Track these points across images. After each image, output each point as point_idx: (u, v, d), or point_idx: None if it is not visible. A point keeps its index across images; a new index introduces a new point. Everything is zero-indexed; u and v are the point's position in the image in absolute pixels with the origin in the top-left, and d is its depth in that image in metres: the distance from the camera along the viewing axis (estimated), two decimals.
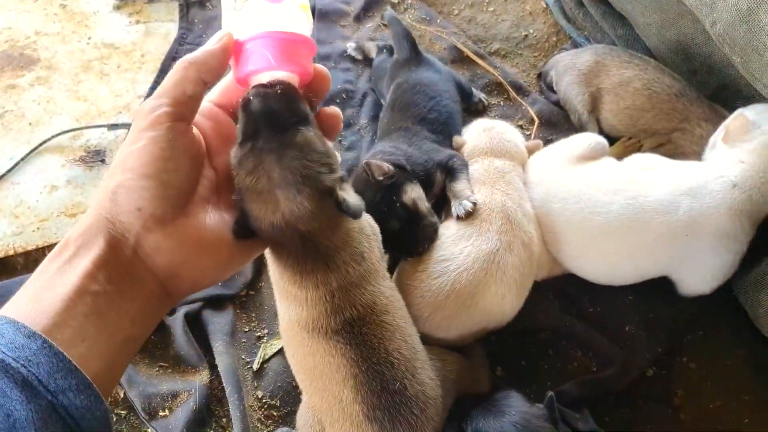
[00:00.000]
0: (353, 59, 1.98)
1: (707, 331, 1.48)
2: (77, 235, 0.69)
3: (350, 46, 1.98)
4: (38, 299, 0.65)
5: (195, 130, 0.78)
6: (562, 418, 1.30)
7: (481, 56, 1.98)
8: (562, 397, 1.34)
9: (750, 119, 1.39)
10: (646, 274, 1.44)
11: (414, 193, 1.36)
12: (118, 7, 2.10)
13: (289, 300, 1.04)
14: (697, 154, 1.54)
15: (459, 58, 1.99)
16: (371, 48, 1.94)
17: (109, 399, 1.33)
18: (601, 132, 1.71)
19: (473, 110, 1.87)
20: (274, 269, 1.02)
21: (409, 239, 1.32)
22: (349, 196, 0.87)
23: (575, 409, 1.33)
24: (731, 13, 1.28)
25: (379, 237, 1.14)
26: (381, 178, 1.32)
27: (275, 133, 0.79)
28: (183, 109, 0.73)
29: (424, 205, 1.36)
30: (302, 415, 1.22)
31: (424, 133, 1.55)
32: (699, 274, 1.40)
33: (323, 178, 0.82)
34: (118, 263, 0.69)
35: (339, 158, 0.87)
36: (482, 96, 1.87)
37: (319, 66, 0.82)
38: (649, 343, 1.41)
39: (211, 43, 0.76)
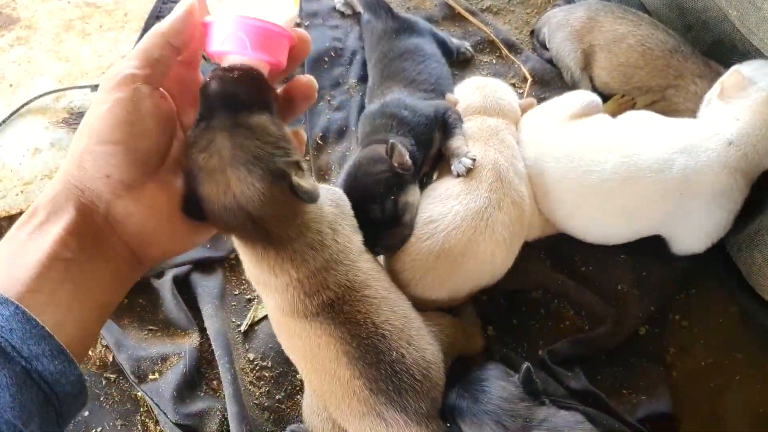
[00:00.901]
0: (342, 15, 1.94)
1: (700, 288, 1.47)
2: (46, 201, 0.69)
3: (338, 1, 1.93)
4: (9, 266, 0.65)
5: (165, 94, 0.78)
6: (553, 377, 1.31)
7: (473, 13, 1.95)
8: (554, 356, 1.34)
9: (746, 75, 1.37)
10: (639, 233, 1.42)
11: (411, 197, 1.31)
12: None
13: (260, 286, 1.06)
14: (691, 111, 1.51)
15: (450, 15, 1.95)
16: (359, 2, 1.90)
17: (98, 363, 1.35)
18: (594, 89, 1.69)
19: (461, 60, 1.84)
20: (242, 254, 1.03)
21: (375, 233, 1.23)
22: (305, 181, 0.86)
23: (567, 367, 1.33)
24: None
25: (348, 213, 1.14)
26: (396, 164, 1.28)
27: (230, 113, 0.78)
28: (150, 72, 0.73)
29: (412, 214, 1.31)
30: (307, 405, 1.21)
31: (417, 94, 1.52)
32: (692, 233, 1.39)
33: (276, 160, 0.82)
34: (90, 230, 0.69)
35: (296, 144, 0.87)
36: (467, 45, 1.84)
37: (300, 30, 0.82)
38: (642, 302, 1.41)
39: (178, 8, 0.76)
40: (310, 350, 1.05)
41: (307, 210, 0.96)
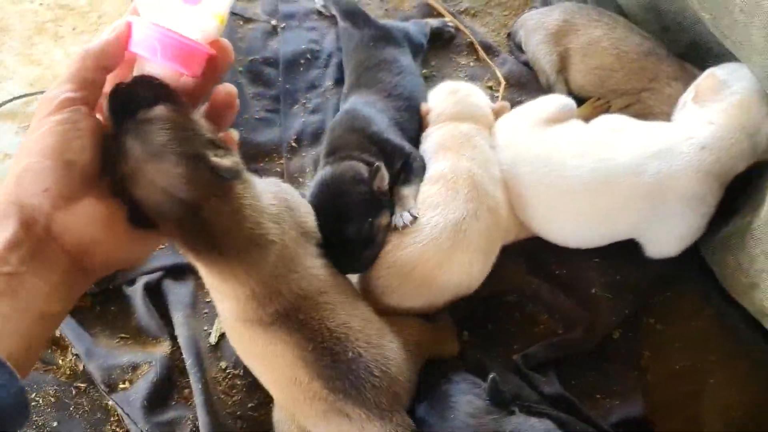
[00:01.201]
0: (320, 15, 1.92)
1: (674, 291, 1.47)
2: None
3: (318, 1, 1.92)
4: None
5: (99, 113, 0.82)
6: (527, 381, 1.30)
7: (452, 15, 1.93)
8: (528, 360, 1.34)
9: (720, 79, 1.37)
10: (613, 237, 1.42)
11: (385, 220, 1.29)
12: None
13: (213, 292, 1.07)
14: (666, 114, 1.51)
15: (428, 16, 1.93)
16: (335, 10, 1.88)
17: (68, 372, 1.33)
18: (570, 92, 1.68)
19: (446, 38, 1.87)
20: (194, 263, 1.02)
21: (344, 253, 1.21)
22: (225, 159, 0.87)
23: (541, 372, 1.33)
24: None
25: (299, 214, 1.12)
26: (376, 188, 1.27)
27: (130, 116, 0.82)
28: (85, 94, 0.77)
29: (384, 236, 1.29)
30: (277, 418, 1.21)
31: (393, 104, 1.52)
32: (667, 237, 1.39)
33: (187, 143, 0.84)
34: (31, 244, 0.71)
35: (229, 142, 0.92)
36: (439, 25, 1.86)
37: (223, 41, 0.86)
38: (616, 305, 1.41)
39: (107, 32, 0.80)
40: (267, 358, 1.06)
41: (241, 195, 0.94)
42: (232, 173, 0.88)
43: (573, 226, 1.41)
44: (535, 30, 1.73)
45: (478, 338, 1.40)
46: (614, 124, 1.43)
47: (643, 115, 1.54)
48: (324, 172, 1.32)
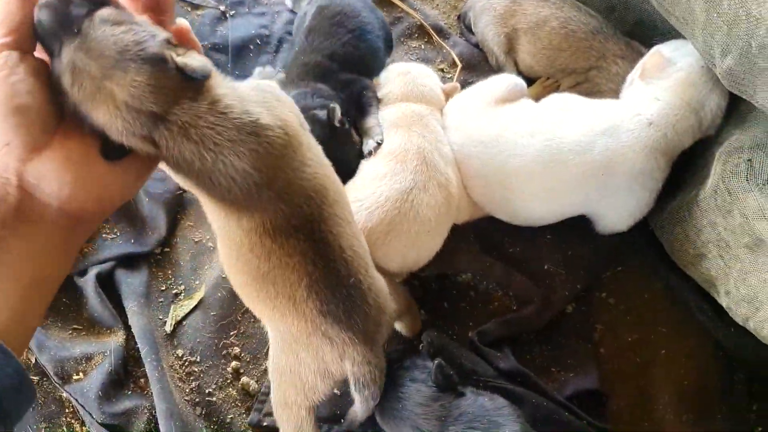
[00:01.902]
0: (267, 3, 1.90)
1: (625, 266, 1.50)
2: None
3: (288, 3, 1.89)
4: None
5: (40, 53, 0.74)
6: (483, 357, 1.32)
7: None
8: (484, 337, 1.36)
9: (666, 56, 1.39)
10: (564, 214, 1.44)
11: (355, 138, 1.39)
12: None
13: (218, 213, 0.98)
14: (614, 92, 1.54)
15: (378, 0, 1.93)
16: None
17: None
18: (519, 73, 1.69)
19: None
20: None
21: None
22: (190, 58, 0.80)
23: (497, 348, 1.34)
24: None
25: (291, 104, 1.04)
26: (337, 123, 1.34)
27: (70, 31, 0.73)
28: (17, 37, 0.70)
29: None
30: (276, 400, 1.17)
31: (338, 75, 1.50)
32: (616, 212, 1.42)
33: (143, 47, 0.76)
34: (6, 205, 0.66)
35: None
36: None
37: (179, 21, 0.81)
38: (568, 281, 1.43)
39: None
40: (275, 273, 1.00)
41: (215, 86, 0.85)
42: (204, 72, 0.80)
43: (525, 205, 1.43)
44: (483, 11, 1.74)
45: (435, 317, 1.41)
46: (563, 103, 1.45)
47: (592, 93, 1.56)
48: None
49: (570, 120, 1.38)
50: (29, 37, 0.71)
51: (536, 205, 1.42)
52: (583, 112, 1.40)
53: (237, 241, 0.99)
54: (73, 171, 0.69)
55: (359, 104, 1.45)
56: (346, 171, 1.34)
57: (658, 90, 1.37)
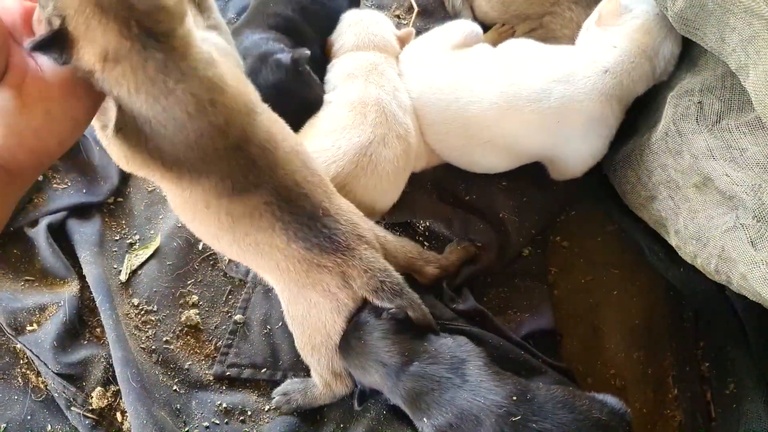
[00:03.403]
0: None
1: (579, 210, 1.54)
2: None
3: None
4: None
5: None
6: (441, 300, 1.33)
7: None
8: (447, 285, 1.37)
9: (622, 3, 1.39)
10: (520, 161, 1.46)
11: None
12: None
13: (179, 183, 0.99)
14: (568, 38, 1.54)
15: None
16: None
17: None
18: (475, 19, 1.69)
19: None
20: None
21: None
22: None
23: (456, 290, 1.36)
24: None
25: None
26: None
27: None
28: None
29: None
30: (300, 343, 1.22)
31: (304, 27, 1.48)
32: (571, 159, 1.44)
33: None
34: None
35: None
36: None
37: None
38: (523, 226, 1.45)
39: None
40: (241, 225, 1.05)
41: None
42: None
43: (480, 152, 1.44)
44: None
45: None
46: (519, 50, 1.45)
47: (547, 39, 1.56)
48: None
49: (526, 67, 1.38)
50: None
51: (492, 152, 1.43)
52: (540, 59, 1.40)
53: (200, 206, 1.02)
54: (4, 124, 0.69)
55: None
56: (312, 111, 1.37)
57: (615, 37, 1.38)
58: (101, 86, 0.81)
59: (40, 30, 0.78)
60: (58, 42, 0.76)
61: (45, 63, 0.76)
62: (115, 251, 1.38)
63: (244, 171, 0.99)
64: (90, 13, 0.76)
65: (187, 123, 0.89)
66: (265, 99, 1.16)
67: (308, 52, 1.33)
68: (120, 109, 0.87)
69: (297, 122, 1.34)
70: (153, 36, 0.82)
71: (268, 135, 1.03)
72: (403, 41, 1.52)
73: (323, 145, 1.28)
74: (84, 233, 1.36)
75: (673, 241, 1.29)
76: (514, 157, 1.45)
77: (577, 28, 1.51)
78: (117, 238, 1.39)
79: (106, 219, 1.41)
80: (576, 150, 1.42)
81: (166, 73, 0.84)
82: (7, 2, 0.78)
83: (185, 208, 1.06)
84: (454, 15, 1.71)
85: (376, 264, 1.12)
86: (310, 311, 1.15)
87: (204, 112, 0.90)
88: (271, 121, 1.06)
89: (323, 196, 1.10)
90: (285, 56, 1.33)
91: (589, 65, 1.35)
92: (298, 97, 1.36)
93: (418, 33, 1.57)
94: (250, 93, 1.03)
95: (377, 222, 1.35)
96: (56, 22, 0.75)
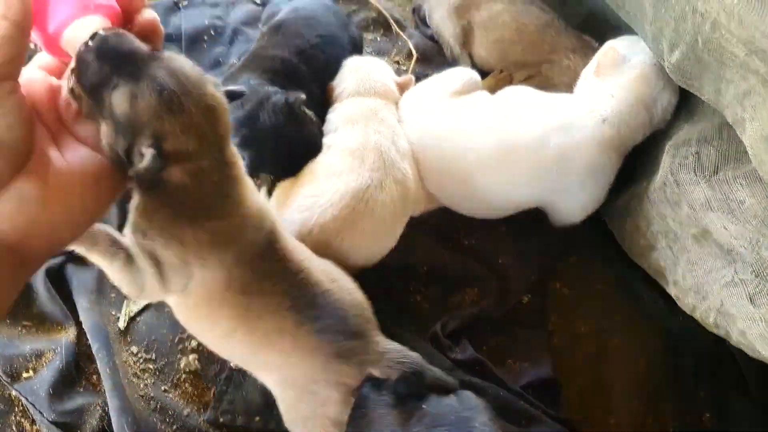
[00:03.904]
0: None
1: (579, 256, 1.53)
2: None
3: None
4: None
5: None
6: (440, 349, 1.33)
7: None
8: (443, 330, 1.36)
9: (620, 52, 1.41)
10: (519, 207, 1.46)
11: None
12: None
13: (207, 249, 0.97)
14: (566, 85, 1.56)
15: None
16: None
17: None
18: (474, 66, 1.71)
19: None
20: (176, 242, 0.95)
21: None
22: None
23: (455, 340, 1.35)
24: None
25: None
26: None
27: (148, 61, 0.78)
28: (12, 69, 0.67)
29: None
30: (290, 419, 1.16)
31: (302, 70, 1.50)
32: (570, 206, 1.44)
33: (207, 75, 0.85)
34: None
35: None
36: None
37: None
38: (523, 272, 1.45)
39: None
40: (256, 305, 1.03)
41: None
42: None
43: (480, 198, 1.44)
44: (438, 4, 1.75)
45: (393, 309, 1.41)
46: (517, 97, 1.46)
47: (545, 86, 1.57)
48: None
49: (525, 115, 1.39)
50: (21, 66, 0.69)
51: (491, 198, 1.43)
52: (538, 107, 1.41)
53: (215, 284, 1.00)
54: (27, 214, 0.68)
55: None
56: (310, 151, 1.38)
57: (613, 86, 1.39)
58: None
59: (69, 114, 0.78)
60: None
61: (69, 153, 0.75)
62: (114, 297, 1.37)
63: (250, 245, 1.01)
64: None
65: None
66: (263, 142, 1.17)
67: (303, 96, 1.34)
68: None
69: (296, 163, 1.37)
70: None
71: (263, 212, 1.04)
72: (402, 87, 1.54)
73: (321, 189, 1.28)
74: (82, 279, 1.36)
75: (672, 291, 1.29)
76: (512, 204, 1.46)
77: (575, 76, 1.52)
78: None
79: None
80: (574, 198, 1.42)
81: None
82: (33, 76, 0.77)
83: (199, 304, 1.04)
84: (454, 61, 1.73)
85: (392, 348, 1.08)
86: (317, 410, 1.08)
87: None
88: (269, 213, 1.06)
89: (323, 276, 1.09)
90: (279, 98, 1.34)
91: (587, 114, 1.36)
92: (295, 138, 1.37)
93: (418, 79, 1.58)
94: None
95: (374, 266, 1.36)
96: (146, 144, 0.78)
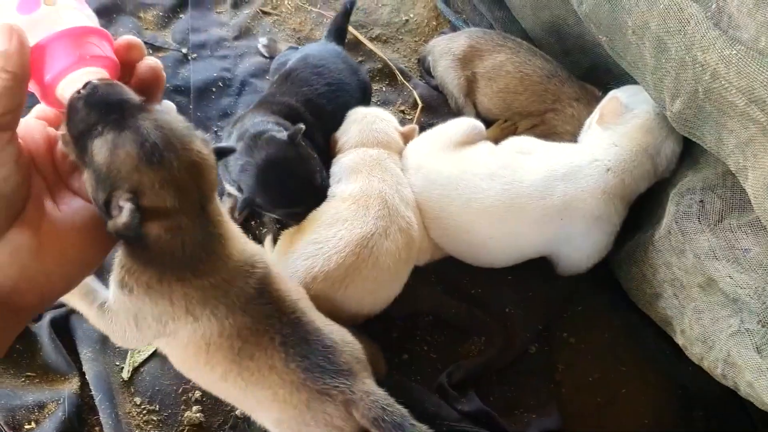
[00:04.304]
0: (235, 39, 1.92)
1: (585, 305, 1.52)
2: None
3: (261, 42, 1.90)
4: None
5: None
6: (446, 401, 1.31)
7: (368, 42, 1.96)
8: (449, 379, 1.35)
9: (623, 102, 1.42)
10: (524, 256, 1.46)
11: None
12: None
13: (199, 305, 0.97)
14: (570, 134, 1.58)
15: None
16: (282, 48, 1.86)
17: None
18: (478, 115, 1.72)
19: None
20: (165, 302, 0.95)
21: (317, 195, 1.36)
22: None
23: (461, 390, 1.34)
24: None
25: None
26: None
27: (135, 111, 0.77)
28: (11, 119, 0.68)
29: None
30: None
31: (308, 119, 1.50)
32: (575, 255, 1.44)
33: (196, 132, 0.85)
34: None
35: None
36: None
37: (125, 37, 0.80)
38: (529, 321, 1.44)
39: (4, 44, 0.68)
40: (249, 345, 1.02)
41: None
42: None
43: (484, 248, 1.44)
44: (442, 55, 1.77)
45: (398, 360, 1.40)
46: (522, 146, 1.47)
47: (548, 135, 1.60)
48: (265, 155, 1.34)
49: (529, 164, 1.40)
50: (18, 116, 0.70)
51: (496, 247, 1.43)
52: (542, 156, 1.42)
53: (207, 336, 1.00)
54: (20, 264, 0.68)
55: None
56: (312, 187, 1.38)
57: (616, 136, 1.40)
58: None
59: (65, 165, 0.78)
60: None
61: (64, 204, 0.76)
62: (118, 348, 1.36)
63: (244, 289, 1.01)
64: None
65: None
66: (263, 176, 1.17)
67: (303, 126, 1.34)
68: None
69: (297, 197, 1.37)
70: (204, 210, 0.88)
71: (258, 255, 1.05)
72: (406, 137, 1.55)
73: (325, 236, 1.28)
74: (87, 329, 1.35)
75: (679, 341, 1.28)
76: (517, 253, 1.46)
77: (579, 125, 1.54)
78: None
79: None
80: (580, 247, 1.42)
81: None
82: (31, 125, 0.78)
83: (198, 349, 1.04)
84: (458, 111, 1.75)
85: (378, 392, 1.07)
86: None
87: None
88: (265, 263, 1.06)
89: (317, 318, 1.09)
90: (280, 133, 1.35)
91: (591, 164, 1.37)
92: (295, 170, 1.36)
93: (422, 128, 1.59)
94: None
95: (378, 316, 1.35)
96: (124, 197, 0.77)
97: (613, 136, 1.41)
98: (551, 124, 1.63)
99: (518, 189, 1.36)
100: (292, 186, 1.35)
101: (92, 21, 0.78)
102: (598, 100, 1.56)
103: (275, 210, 1.41)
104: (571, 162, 1.38)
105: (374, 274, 1.28)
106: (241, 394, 1.09)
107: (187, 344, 1.02)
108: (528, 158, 1.42)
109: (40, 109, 0.83)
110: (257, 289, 1.01)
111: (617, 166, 1.36)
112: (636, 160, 1.37)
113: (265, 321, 1.02)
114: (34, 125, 0.79)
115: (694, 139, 1.21)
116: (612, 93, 1.48)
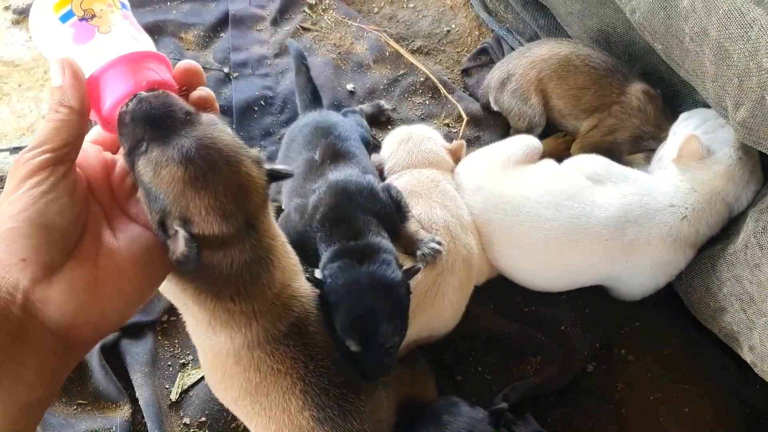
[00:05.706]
0: (275, 57, 1.90)
1: (643, 321, 1.47)
2: None
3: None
4: None
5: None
6: (504, 424, 1.27)
7: (408, 54, 1.93)
8: (504, 401, 1.31)
9: (704, 144, 1.36)
10: (581, 285, 1.43)
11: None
12: (16, 22, 1.97)
13: (220, 325, 0.95)
14: (636, 127, 1.57)
15: (381, 58, 1.93)
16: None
17: None
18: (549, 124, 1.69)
19: (383, 120, 1.80)
20: (193, 304, 0.93)
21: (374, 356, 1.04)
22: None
23: (518, 412, 1.29)
24: (649, 0, 1.26)
25: None
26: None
27: (181, 126, 0.76)
28: (66, 151, 0.68)
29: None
30: None
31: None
32: (634, 288, 1.42)
33: (247, 149, 0.82)
34: (8, 327, 0.63)
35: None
36: (373, 110, 1.77)
37: (185, 62, 0.80)
38: (586, 339, 1.40)
39: (59, 79, 0.70)
40: (266, 384, 0.99)
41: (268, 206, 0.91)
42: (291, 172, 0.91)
43: (543, 274, 1.41)
44: (503, 83, 1.69)
45: (452, 381, 1.37)
46: (594, 170, 1.41)
47: (616, 130, 1.58)
48: (363, 271, 1.10)
49: (601, 200, 1.35)
50: (78, 149, 0.70)
51: (554, 276, 1.41)
52: (614, 192, 1.36)
53: (223, 355, 0.98)
54: (77, 300, 0.67)
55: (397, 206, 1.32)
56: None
57: (695, 181, 1.36)
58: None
59: (122, 190, 0.78)
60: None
61: (122, 231, 0.75)
62: (169, 367, 1.35)
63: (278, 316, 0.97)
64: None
65: None
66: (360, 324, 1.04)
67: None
68: None
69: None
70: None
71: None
72: (454, 154, 1.51)
73: None
74: (136, 354, 1.34)
75: (747, 357, 1.23)
76: (575, 282, 1.43)
77: (645, 118, 1.55)
78: (170, 357, 1.37)
79: (159, 338, 1.40)
80: (640, 283, 1.40)
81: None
82: (86, 150, 0.78)
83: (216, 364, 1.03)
84: (529, 130, 1.68)
85: None
86: None
87: None
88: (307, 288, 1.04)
89: None
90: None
91: (666, 209, 1.33)
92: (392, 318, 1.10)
93: (469, 142, 1.56)
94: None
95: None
96: (177, 224, 0.76)
97: (691, 180, 1.36)
98: (618, 117, 1.58)
99: (585, 224, 1.32)
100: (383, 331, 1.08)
101: (148, 45, 0.78)
102: (656, 98, 1.55)
103: None
104: (647, 204, 1.34)
105: (438, 311, 1.25)
106: (246, 419, 1.08)
107: (205, 350, 1.03)
108: (599, 191, 1.36)
109: (96, 132, 0.82)
110: (288, 329, 0.97)
111: (694, 215, 1.33)
112: (714, 209, 1.33)
113: (289, 363, 0.98)
114: (90, 150, 0.79)
115: (759, 148, 1.16)
116: (690, 131, 1.41)
